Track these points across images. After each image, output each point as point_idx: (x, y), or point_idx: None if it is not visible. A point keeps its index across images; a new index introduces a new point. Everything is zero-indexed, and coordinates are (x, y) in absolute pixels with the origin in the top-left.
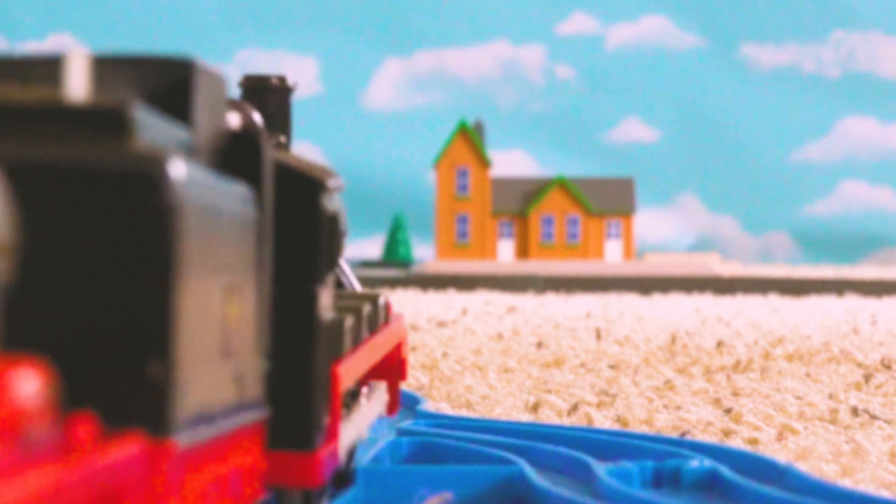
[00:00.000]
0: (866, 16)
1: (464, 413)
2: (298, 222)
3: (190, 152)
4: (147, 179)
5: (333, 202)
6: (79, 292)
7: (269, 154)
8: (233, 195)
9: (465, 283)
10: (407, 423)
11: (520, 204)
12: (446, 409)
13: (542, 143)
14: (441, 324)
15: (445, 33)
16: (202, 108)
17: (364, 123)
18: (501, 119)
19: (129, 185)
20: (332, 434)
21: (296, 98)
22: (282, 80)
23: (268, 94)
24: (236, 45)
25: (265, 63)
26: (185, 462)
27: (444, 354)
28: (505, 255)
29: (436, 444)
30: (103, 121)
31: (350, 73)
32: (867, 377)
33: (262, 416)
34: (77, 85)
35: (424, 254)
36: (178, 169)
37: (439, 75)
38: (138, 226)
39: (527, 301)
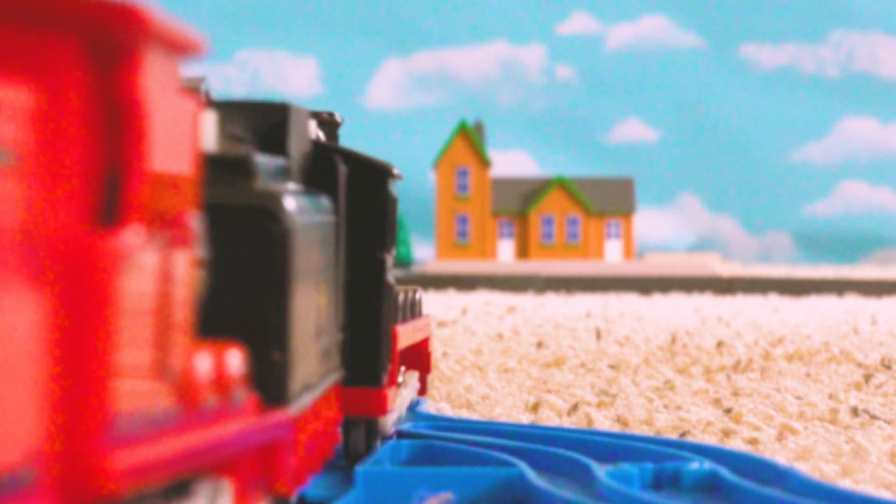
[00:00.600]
0: (866, 16)
1: (464, 413)
2: (370, 202)
3: (288, 176)
4: (269, 213)
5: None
6: (229, 295)
7: (342, 168)
8: (321, 208)
9: (465, 283)
10: (407, 426)
11: (520, 204)
12: (446, 408)
13: (542, 143)
14: (441, 324)
15: (445, 33)
16: (295, 139)
17: (364, 123)
18: (501, 119)
19: (256, 217)
20: (393, 379)
21: (296, 98)
22: (331, 115)
23: (320, 126)
24: (236, 45)
25: (265, 63)
26: (297, 423)
27: (444, 354)
28: (505, 255)
29: (436, 447)
30: (235, 167)
31: (350, 73)
32: (867, 377)
33: (340, 377)
34: (210, 136)
35: (424, 254)
36: (289, 203)
37: (439, 75)
38: (264, 248)
39: (527, 301)
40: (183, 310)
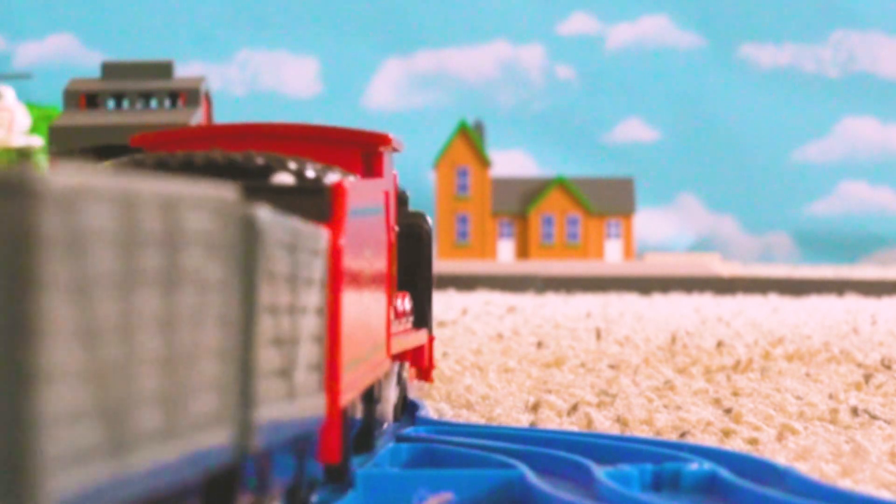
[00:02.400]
0: (866, 16)
1: (463, 413)
2: (420, 237)
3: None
4: (421, 220)
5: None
6: (403, 266)
7: (427, 227)
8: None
9: (465, 283)
10: (407, 430)
11: (520, 204)
12: (446, 409)
13: (542, 143)
14: (441, 324)
15: (445, 33)
16: (400, 213)
17: (364, 123)
18: (501, 119)
19: (413, 226)
20: (432, 335)
21: (296, 98)
22: (403, 192)
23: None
24: (236, 45)
25: (265, 63)
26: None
27: (444, 354)
28: (505, 255)
29: (436, 450)
30: (414, 214)
31: (350, 73)
32: (867, 377)
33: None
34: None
35: None
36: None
37: (439, 75)
38: (420, 242)
39: (527, 301)
40: (395, 276)
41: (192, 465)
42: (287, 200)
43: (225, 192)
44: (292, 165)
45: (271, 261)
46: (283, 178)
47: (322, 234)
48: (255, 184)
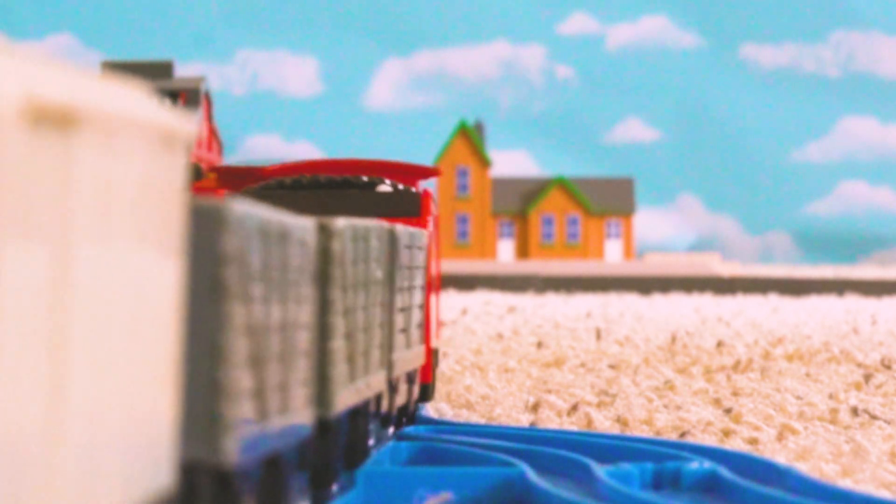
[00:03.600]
0: (866, 16)
1: (463, 413)
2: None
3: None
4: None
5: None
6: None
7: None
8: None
9: (465, 283)
10: (408, 429)
11: (520, 204)
12: (446, 409)
13: (542, 143)
14: (441, 324)
15: (445, 33)
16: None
17: (364, 123)
18: (501, 119)
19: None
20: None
21: (296, 98)
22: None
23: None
24: (236, 45)
25: (265, 63)
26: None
27: (444, 354)
28: (505, 255)
29: (436, 448)
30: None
31: (350, 73)
32: (867, 377)
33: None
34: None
35: None
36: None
37: (439, 75)
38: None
39: (527, 301)
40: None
41: (369, 389)
42: (389, 202)
43: (379, 222)
44: (387, 181)
45: (401, 257)
46: (385, 188)
47: (424, 235)
48: (368, 192)
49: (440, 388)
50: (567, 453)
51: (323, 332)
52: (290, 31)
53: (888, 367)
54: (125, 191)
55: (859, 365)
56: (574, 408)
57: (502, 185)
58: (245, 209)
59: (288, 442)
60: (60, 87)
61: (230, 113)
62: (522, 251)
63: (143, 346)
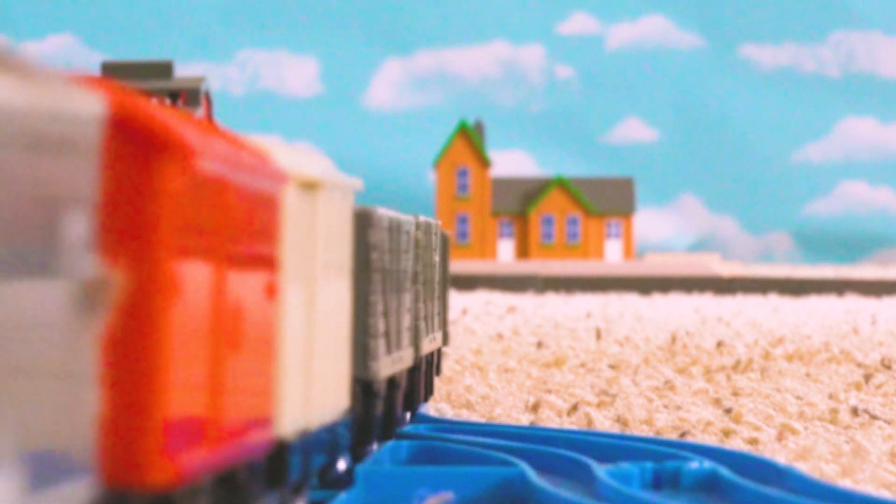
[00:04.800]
0: (866, 16)
1: (464, 413)
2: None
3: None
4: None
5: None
6: None
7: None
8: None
9: (465, 283)
10: (407, 427)
11: (520, 204)
12: (446, 409)
13: (542, 143)
14: None
15: (445, 33)
16: None
17: (364, 123)
18: (501, 119)
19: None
20: None
21: (296, 98)
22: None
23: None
24: (236, 45)
25: (265, 63)
26: None
27: (444, 354)
28: (505, 255)
29: (436, 448)
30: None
31: (350, 73)
32: (867, 377)
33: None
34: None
35: None
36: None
37: (439, 75)
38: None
39: (527, 301)
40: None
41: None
42: None
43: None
44: None
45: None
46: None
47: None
48: None
49: (440, 387)
50: (567, 453)
51: (416, 296)
52: (290, 31)
53: (888, 367)
54: (333, 231)
55: (859, 365)
56: (574, 408)
57: (502, 185)
58: (382, 212)
59: (401, 369)
60: (308, 165)
61: (230, 113)
62: (522, 251)
63: (339, 329)
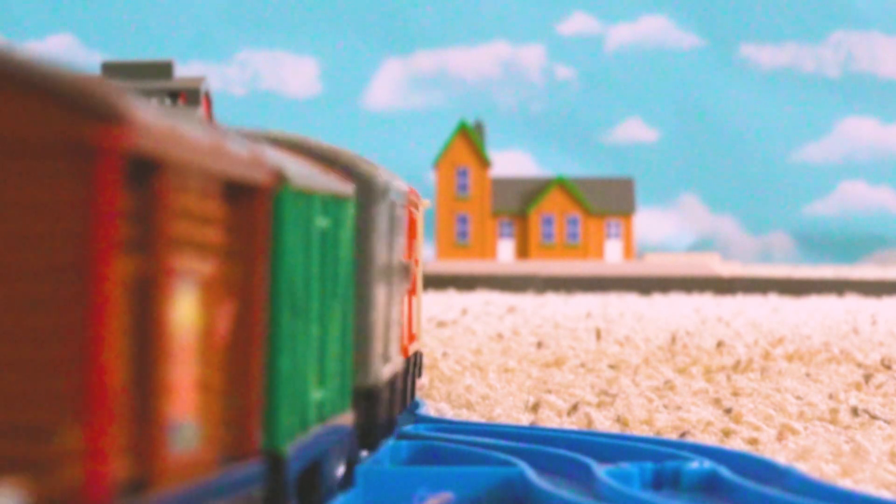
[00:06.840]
0: (866, 16)
1: (464, 413)
2: None
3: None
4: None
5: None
6: None
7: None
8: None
9: (465, 283)
10: (407, 427)
11: (520, 204)
12: (446, 409)
13: (542, 143)
14: (441, 324)
15: (445, 33)
16: None
17: (364, 123)
18: (501, 119)
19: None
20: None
21: (296, 98)
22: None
23: None
24: (236, 45)
25: (265, 63)
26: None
27: (444, 354)
28: (505, 255)
29: (436, 447)
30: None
31: (350, 73)
32: (867, 377)
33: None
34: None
35: (424, 254)
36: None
37: (439, 75)
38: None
39: (527, 301)
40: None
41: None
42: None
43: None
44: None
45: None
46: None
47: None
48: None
49: (440, 387)
50: (567, 453)
51: None
52: (290, 31)
53: (888, 367)
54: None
55: (859, 365)
56: (574, 408)
57: (502, 185)
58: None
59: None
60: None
61: (230, 113)
62: (522, 251)
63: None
